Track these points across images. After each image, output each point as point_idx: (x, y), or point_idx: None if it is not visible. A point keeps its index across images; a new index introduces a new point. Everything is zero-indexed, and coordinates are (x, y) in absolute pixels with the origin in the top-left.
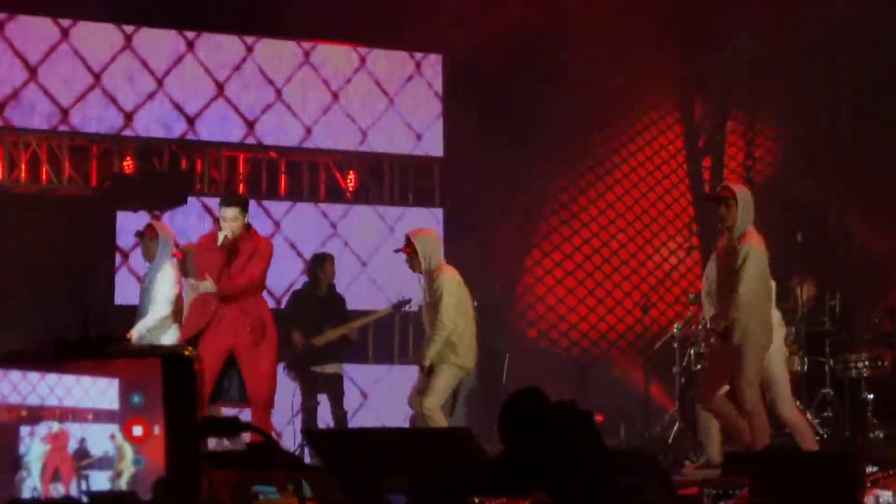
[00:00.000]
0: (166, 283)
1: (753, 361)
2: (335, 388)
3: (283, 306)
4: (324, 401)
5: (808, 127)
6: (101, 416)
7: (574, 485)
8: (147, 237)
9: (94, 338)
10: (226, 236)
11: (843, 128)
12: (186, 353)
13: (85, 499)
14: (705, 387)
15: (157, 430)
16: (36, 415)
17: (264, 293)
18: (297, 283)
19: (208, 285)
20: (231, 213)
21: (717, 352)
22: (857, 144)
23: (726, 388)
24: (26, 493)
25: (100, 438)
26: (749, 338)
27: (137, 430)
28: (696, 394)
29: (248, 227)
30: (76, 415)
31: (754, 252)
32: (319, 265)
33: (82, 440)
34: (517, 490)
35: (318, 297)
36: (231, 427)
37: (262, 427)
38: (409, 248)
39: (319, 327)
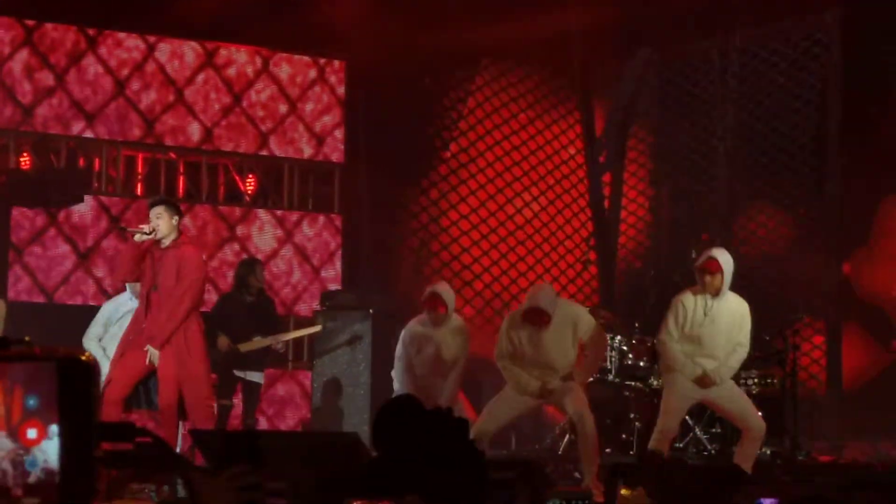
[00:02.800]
0: None
1: None
2: (252, 395)
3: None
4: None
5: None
6: None
7: (447, 492)
8: None
9: None
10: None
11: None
12: (83, 357)
13: None
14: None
15: (51, 432)
16: None
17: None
18: None
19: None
20: (157, 210)
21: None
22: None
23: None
24: None
25: None
26: None
27: (32, 433)
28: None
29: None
30: None
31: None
32: (250, 270)
33: None
34: (388, 495)
35: (246, 302)
36: (127, 432)
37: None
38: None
39: (247, 333)
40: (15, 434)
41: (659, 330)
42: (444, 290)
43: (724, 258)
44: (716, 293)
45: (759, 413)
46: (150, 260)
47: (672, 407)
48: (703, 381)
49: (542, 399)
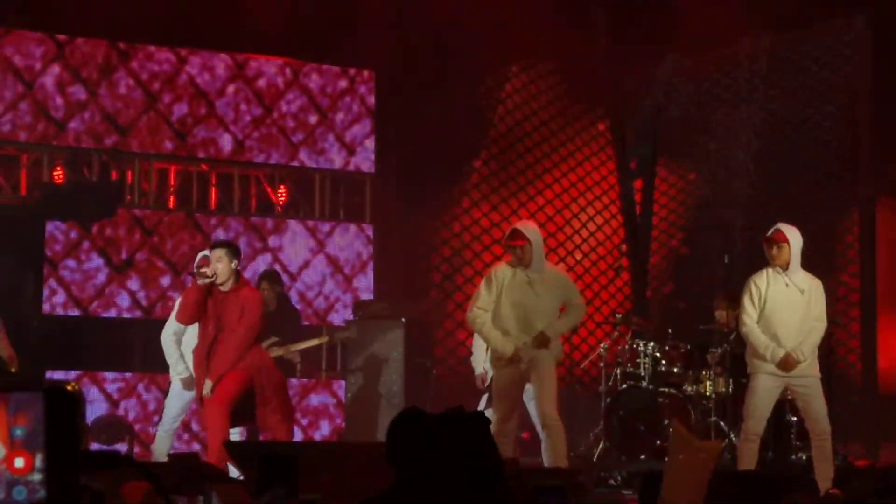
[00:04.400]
0: None
1: None
2: None
3: None
4: None
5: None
6: None
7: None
8: None
9: None
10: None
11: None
12: (69, 388)
13: None
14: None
15: (38, 462)
16: None
17: None
18: None
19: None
20: (217, 253)
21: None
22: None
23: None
24: None
25: None
26: None
27: (19, 462)
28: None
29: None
30: None
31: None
32: (261, 282)
33: None
34: None
35: (267, 312)
36: (111, 461)
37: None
38: (524, 241)
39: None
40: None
41: (739, 320)
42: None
43: (791, 231)
44: (784, 266)
45: (794, 417)
46: (212, 302)
47: (754, 407)
48: (787, 362)
49: (512, 365)
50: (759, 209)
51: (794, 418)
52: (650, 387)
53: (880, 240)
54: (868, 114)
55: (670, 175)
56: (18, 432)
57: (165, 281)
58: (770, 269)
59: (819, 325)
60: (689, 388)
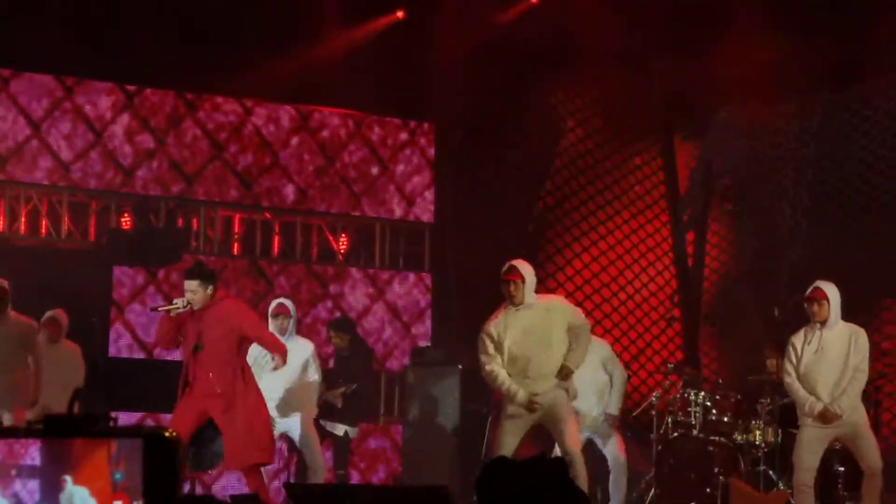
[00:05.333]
0: None
1: None
2: (339, 447)
3: None
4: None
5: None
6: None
7: None
8: None
9: (80, 416)
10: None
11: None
12: (167, 434)
13: None
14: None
15: None
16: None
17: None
18: None
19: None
20: (190, 285)
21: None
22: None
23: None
24: None
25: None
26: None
27: None
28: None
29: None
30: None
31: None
32: (330, 329)
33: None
34: None
35: (343, 356)
36: None
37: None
38: (519, 277)
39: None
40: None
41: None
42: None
43: (830, 288)
44: (823, 322)
45: (842, 469)
46: (191, 323)
47: (801, 460)
48: (825, 416)
49: (531, 413)
50: (809, 264)
51: (842, 468)
52: (701, 435)
53: None
54: None
55: (722, 228)
56: (118, 476)
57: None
58: (808, 327)
59: (860, 375)
60: (739, 438)
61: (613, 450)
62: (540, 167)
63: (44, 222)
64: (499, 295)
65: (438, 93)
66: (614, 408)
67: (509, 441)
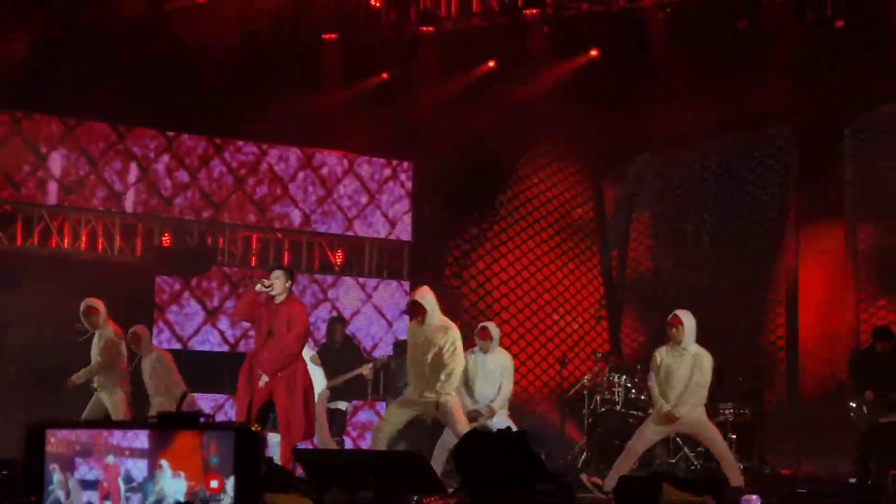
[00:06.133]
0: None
1: None
2: (337, 420)
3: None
4: None
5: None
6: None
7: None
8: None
9: (186, 414)
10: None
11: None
12: (253, 428)
13: None
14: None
15: (228, 484)
16: (89, 451)
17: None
18: None
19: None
20: (276, 273)
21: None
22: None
23: None
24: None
25: (137, 471)
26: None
27: (213, 483)
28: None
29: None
30: (123, 452)
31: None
32: (332, 326)
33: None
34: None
35: (335, 349)
36: (285, 482)
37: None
38: (423, 311)
39: (334, 372)
40: (202, 484)
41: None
42: (492, 325)
43: (686, 315)
44: (680, 343)
45: (734, 435)
46: (266, 311)
47: (642, 434)
48: (667, 418)
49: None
50: (714, 272)
51: (734, 436)
52: (623, 410)
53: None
54: (795, 201)
55: (639, 246)
56: (214, 460)
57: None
58: (669, 344)
59: (699, 390)
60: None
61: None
62: (495, 203)
63: (100, 241)
64: (460, 299)
65: (416, 139)
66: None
67: (397, 417)
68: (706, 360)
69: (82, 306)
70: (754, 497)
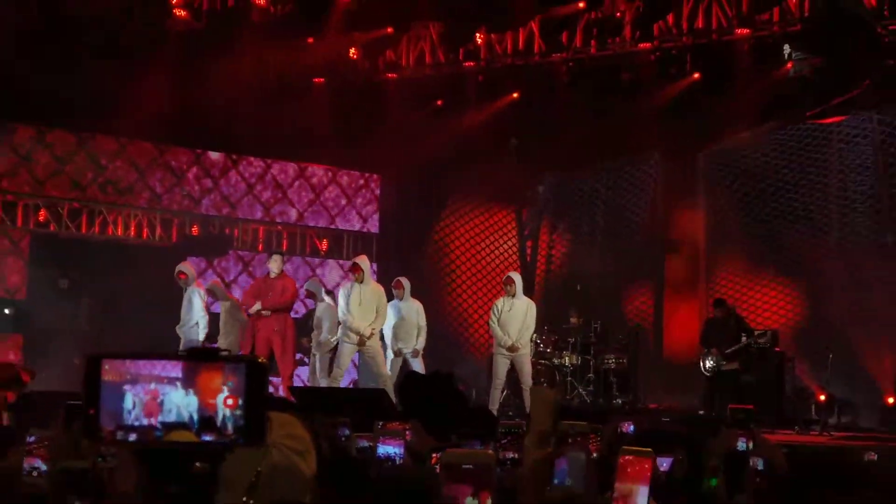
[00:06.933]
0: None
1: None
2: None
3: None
4: None
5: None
6: (173, 382)
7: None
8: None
9: (209, 348)
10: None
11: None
12: (260, 360)
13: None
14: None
15: (241, 402)
16: (137, 378)
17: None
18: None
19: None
20: (277, 258)
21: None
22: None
23: None
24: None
25: (178, 397)
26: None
27: (230, 402)
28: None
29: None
30: (166, 381)
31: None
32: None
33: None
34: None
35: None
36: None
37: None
38: (359, 270)
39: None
40: (222, 402)
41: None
42: (404, 279)
43: (516, 275)
44: (513, 295)
45: (615, 379)
46: (265, 286)
47: (497, 371)
48: (511, 349)
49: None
50: (605, 261)
51: (615, 379)
52: (533, 359)
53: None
54: (662, 211)
55: (541, 242)
56: (230, 384)
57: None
58: (505, 297)
59: (528, 332)
60: (556, 361)
61: (419, 365)
62: (440, 205)
63: (145, 231)
64: (416, 273)
65: (383, 158)
66: (420, 345)
67: (348, 359)
68: (533, 308)
69: (175, 270)
70: (627, 423)
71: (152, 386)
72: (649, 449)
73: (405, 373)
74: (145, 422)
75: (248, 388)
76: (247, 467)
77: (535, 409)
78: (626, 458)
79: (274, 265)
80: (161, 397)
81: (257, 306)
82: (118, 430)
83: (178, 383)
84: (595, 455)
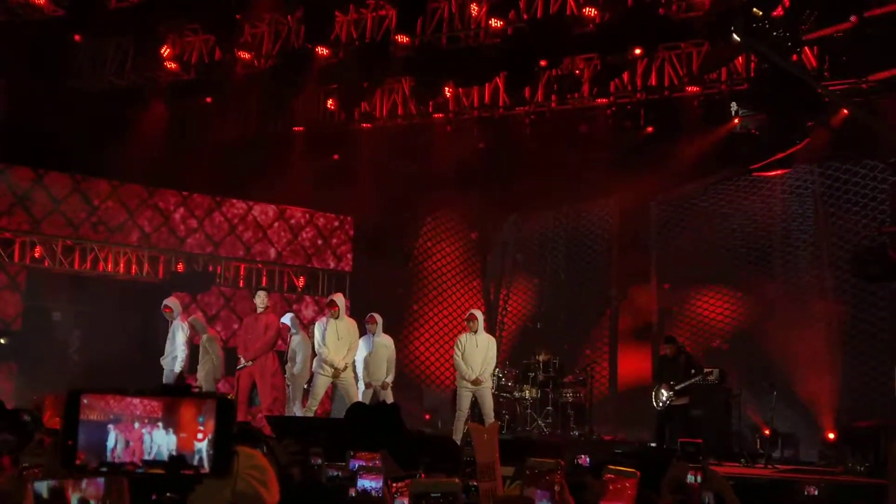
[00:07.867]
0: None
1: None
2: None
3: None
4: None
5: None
6: (155, 423)
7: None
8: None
9: (180, 385)
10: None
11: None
12: (229, 397)
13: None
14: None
15: (210, 436)
16: (120, 418)
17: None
18: None
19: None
20: (261, 294)
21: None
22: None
23: None
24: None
25: (159, 437)
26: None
27: (200, 435)
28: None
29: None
30: (148, 421)
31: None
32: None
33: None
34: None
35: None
36: (253, 436)
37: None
38: (336, 307)
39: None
40: (192, 436)
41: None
42: (377, 315)
43: (479, 312)
44: (476, 331)
45: (572, 412)
46: (251, 321)
47: (461, 404)
48: (475, 382)
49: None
50: (567, 298)
51: (572, 411)
52: (495, 392)
53: (620, 317)
54: (617, 254)
55: (510, 279)
56: (201, 419)
57: (236, 327)
58: (468, 333)
59: (490, 366)
60: (517, 394)
61: (389, 396)
62: (410, 245)
63: (133, 267)
64: (386, 310)
65: (355, 201)
66: (390, 378)
67: (322, 390)
68: (494, 343)
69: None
70: (584, 456)
71: (136, 426)
72: (633, 470)
73: (350, 405)
74: (126, 459)
75: (218, 423)
76: (215, 496)
77: (477, 444)
78: (610, 476)
79: (259, 301)
80: (144, 438)
81: (243, 363)
82: (101, 467)
83: (160, 423)
84: (558, 488)
